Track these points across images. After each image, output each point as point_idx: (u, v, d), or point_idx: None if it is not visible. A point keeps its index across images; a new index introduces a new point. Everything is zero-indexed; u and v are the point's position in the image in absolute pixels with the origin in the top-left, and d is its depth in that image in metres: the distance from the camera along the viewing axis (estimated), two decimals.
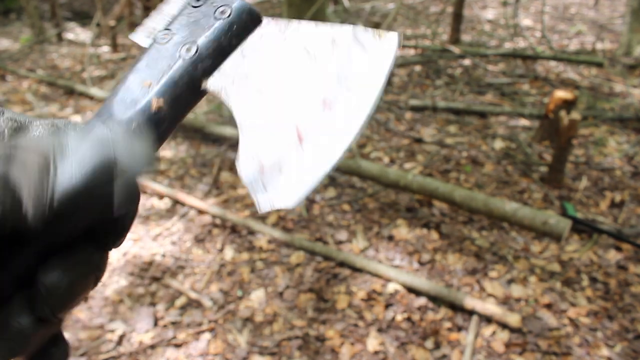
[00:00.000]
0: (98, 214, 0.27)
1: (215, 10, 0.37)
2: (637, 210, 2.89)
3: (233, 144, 3.67)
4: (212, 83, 0.36)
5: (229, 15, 0.37)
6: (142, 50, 0.37)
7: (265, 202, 0.33)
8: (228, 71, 0.36)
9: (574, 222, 2.64)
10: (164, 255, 2.63)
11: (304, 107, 0.35)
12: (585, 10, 8.76)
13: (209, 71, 0.36)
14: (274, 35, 0.37)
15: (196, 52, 0.35)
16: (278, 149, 0.34)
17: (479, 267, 2.46)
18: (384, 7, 8.44)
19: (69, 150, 0.25)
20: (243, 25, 0.37)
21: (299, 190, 0.33)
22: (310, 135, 0.34)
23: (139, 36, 0.38)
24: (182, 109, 0.35)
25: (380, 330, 2.13)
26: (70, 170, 0.24)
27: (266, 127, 0.35)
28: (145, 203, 3.09)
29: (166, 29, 0.37)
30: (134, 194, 0.27)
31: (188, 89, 0.35)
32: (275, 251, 2.63)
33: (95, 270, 0.28)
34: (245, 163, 0.34)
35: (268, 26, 0.38)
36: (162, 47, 0.36)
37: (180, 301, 2.33)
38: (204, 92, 0.36)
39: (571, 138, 2.96)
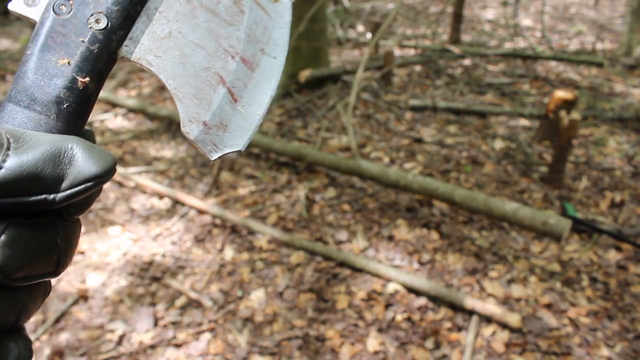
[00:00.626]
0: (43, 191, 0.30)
1: None
2: (637, 210, 2.89)
3: None
4: (128, 51, 0.37)
5: None
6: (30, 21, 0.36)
7: (217, 152, 0.38)
8: (141, 38, 0.37)
9: (574, 222, 2.64)
10: (164, 255, 2.63)
11: (228, 66, 0.38)
12: (585, 10, 8.76)
13: (122, 40, 0.37)
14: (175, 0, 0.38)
15: (108, 24, 0.35)
16: (217, 111, 0.38)
17: (479, 267, 2.46)
18: (384, 7, 8.44)
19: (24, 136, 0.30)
20: None
21: (244, 136, 0.39)
22: (242, 94, 0.38)
23: (17, 4, 0.36)
24: (104, 80, 0.37)
25: (380, 330, 2.13)
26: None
27: (198, 91, 0.38)
28: (146, 203, 3.09)
29: None
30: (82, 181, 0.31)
31: (107, 61, 0.36)
32: (275, 251, 2.63)
33: (50, 235, 0.31)
34: (189, 126, 0.38)
35: None
36: (66, 19, 0.35)
37: (180, 301, 2.33)
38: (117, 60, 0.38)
39: (571, 138, 2.96)
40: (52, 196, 0.30)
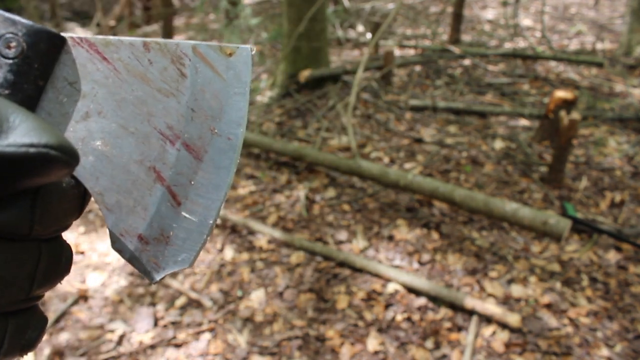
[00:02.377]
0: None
1: None
2: (637, 210, 2.89)
3: None
4: None
5: (22, 51, 0.27)
6: None
7: (158, 272, 0.30)
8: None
9: (574, 222, 2.64)
10: None
11: (166, 157, 0.29)
12: (585, 10, 8.76)
13: None
14: (91, 64, 0.29)
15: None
16: (155, 219, 0.30)
17: (479, 267, 2.46)
18: (384, 7, 8.44)
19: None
20: (44, 59, 0.28)
21: (191, 250, 0.30)
22: (186, 194, 0.29)
23: None
24: None
25: (380, 330, 2.13)
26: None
27: (129, 194, 0.30)
28: None
29: None
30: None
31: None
32: (275, 251, 2.63)
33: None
34: (121, 242, 0.30)
35: (77, 51, 0.29)
36: None
37: (180, 301, 2.33)
38: None
39: (571, 138, 2.96)
40: None
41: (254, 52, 0.30)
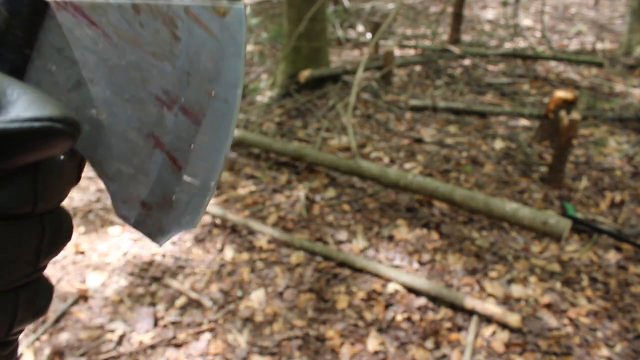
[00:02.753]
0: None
1: None
2: (637, 210, 2.89)
3: (233, 143, 3.67)
4: None
5: (4, 19, 0.26)
6: None
7: (164, 235, 0.30)
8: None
9: (574, 222, 2.64)
10: (164, 256, 2.63)
11: (164, 122, 0.29)
12: (585, 10, 8.76)
13: None
14: (79, 29, 0.28)
15: None
16: (157, 184, 0.29)
17: (479, 267, 2.46)
18: (384, 7, 8.44)
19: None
20: (28, 26, 0.26)
21: (194, 212, 0.30)
22: (186, 158, 0.29)
23: None
24: None
25: (380, 330, 2.13)
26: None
27: (128, 161, 0.29)
28: None
29: None
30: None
31: None
32: (275, 251, 2.63)
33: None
34: (125, 209, 0.30)
35: (62, 15, 0.27)
36: None
37: (180, 301, 2.33)
38: None
39: (571, 138, 2.96)
40: None
41: (248, 11, 0.29)
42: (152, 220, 0.30)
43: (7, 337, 0.27)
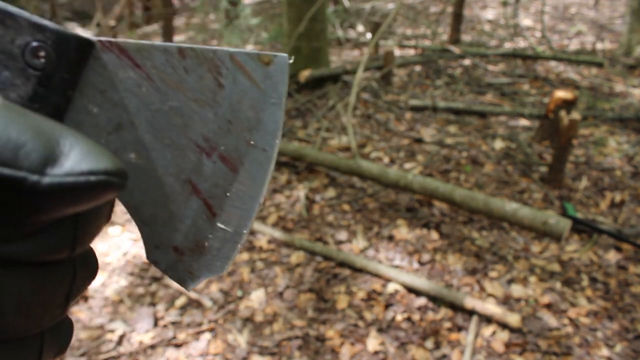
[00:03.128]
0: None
1: (24, 51, 0.24)
2: (637, 210, 2.89)
3: None
4: None
5: (52, 60, 0.24)
6: None
7: (193, 281, 0.30)
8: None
9: (574, 222, 2.64)
10: None
11: (203, 169, 0.28)
12: (585, 10, 8.76)
13: None
14: (123, 71, 0.27)
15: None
16: (191, 231, 0.29)
17: (479, 267, 2.46)
18: (384, 7, 8.44)
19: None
20: (73, 68, 0.25)
21: (226, 259, 0.30)
22: (221, 206, 0.29)
23: None
24: None
25: (380, 330, 2.13)
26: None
27: (164, 207, 0.29)
28: None
29: None
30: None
31: None
32: (275, 251, 2.63)
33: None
34: (157, 254, 0.30)
35: (107, 56, 0.27)
36: None
37: (180, 301, 2.33)
38: None
39: (571, 138, 2.96)
40: (35, 177, 0.20)
41: (291, 61, 0.30)
42: (184, 265, 0.30)
43: None
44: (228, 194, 0.29)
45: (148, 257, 0.30)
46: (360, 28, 7.36)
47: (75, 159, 0.21)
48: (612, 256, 2.52)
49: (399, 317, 2.18)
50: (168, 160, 0.28)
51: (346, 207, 2.98)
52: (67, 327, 0.28)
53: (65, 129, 0.22)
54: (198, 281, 0.30)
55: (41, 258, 0.23)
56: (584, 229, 2.68)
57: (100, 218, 0.27)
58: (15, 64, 0.24)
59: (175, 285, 2.41)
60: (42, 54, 0.24)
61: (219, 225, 0.29)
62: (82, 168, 0.21)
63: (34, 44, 0.24)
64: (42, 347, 0.26)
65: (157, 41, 0.28)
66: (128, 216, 2.95)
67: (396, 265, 2.49)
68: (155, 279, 2.47)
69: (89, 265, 0.28)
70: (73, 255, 0.25)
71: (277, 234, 2.68)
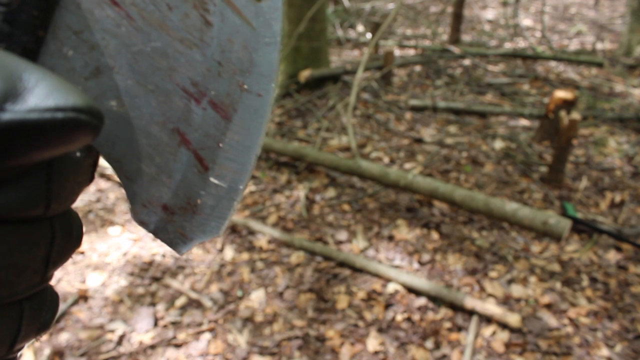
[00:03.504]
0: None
1: None
2: (637, 210, 2.89)
3: None
4: None
5: None
6: None
7: (186, 243, 0.28)
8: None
9: (574, 222, 2.64)
10: (164, 255, 2.63)
11: (192, 117, 0.26)
12: (585, 11, 8.76)
13: None
14: (99, 9, 0.24)
15: None
16: (181, 187, 0.27)
17: (479, 267, 2.46)
18: (384, 7, 8.44)
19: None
20: (43, 4, 0.23)
21: (221, 218, 0.27)
22: (214, 159, 0.27)
23: None
24: None
25: (380, 330, 2.13)
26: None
27: (150, 160, 0.26)
28: None
29: None
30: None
31: None
32: (275, 251, 2.63)
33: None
34: (144, 213, 0.27)
35: None
36: None
37: (180, 301, 2.33)
38: None
39: (571, 138, 2.96)
40: None
41: None
42: (174, 226, 0.27)
43: (9, 354, 0.24)
44: (221, 145, 0.26)
45: (135, 217, 0.27)
46: (360, 28, 7.36)
47: (41, 94, 0.19)
48: (612, 256, 2.52)
49: (399, 317, 2.18)
50: (153, 107, 0.25)
51: (346, 207, 2.98)
52: (51, 301, 0.26)
53: (30, 65, 0.19)
54: (191, 244, 0.27)
55: (10, 214, 0.21)
56: (584, 229, 2.68)
57: (78, 172, 0.24)
58: None
59: (174, 284, 2.41)
60: None
61: (212, 180, 0.26)
62: (47, 104, 0.18)
63: None
64: (21, 320, 0.24)
65: None
66: (128, 216, 2.95)
67: (396, 265, 2.49)
68: (155, 279, 2.47)
69: (71, 229, 0.25)
70: (49, 214, 0.23)
71: (277, 234, 2.68)
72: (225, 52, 0.25)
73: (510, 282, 2.36)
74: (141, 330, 2.17)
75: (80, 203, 3.09)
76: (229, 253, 2.63)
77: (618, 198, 3.00)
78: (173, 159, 0.26)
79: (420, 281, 2.29)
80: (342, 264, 2.49)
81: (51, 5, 0.23)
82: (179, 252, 0.28)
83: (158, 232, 0.27)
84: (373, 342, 2.07)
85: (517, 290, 2.31)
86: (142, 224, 0.27)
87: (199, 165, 0.26)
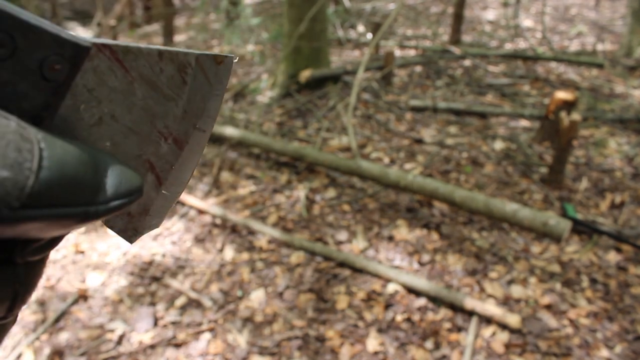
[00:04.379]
0: None
1: (42, 65, 0.24)
2: (637, 211, 2.89)
3: (233, 144, 3.67)
4: None
5: (66, 72, 0.26)
6: None
7: (137, 236, 0.34)
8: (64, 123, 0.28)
9: (574, 223, 2.64)
10: (164, 255, 2.63)
11: (160, 151, 0.33)
12: (585, 11, 8.76)
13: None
14: (110, 71, 0.29)
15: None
16: (143, 200, 0.34)
17: (479, 268, 2.46)
18: (385, 7, 8.44)
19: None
20: (74, 73, 0.27)
21: (162, 216, 0.35)
22: (166, 176, 0.34)
23: None
24: None
25: (380, 330, 2.13)
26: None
27: None
28: None
29: None
30: None
31: None
32: (275, 251, 2.63)
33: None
34: (112, 220, 0.33)
35: (100, 58, 0.28)
36: None
37: (180, 301, 2.33)
38: None
39: (571, 139, 2.96)
40: (93, 208, 0.23)
41: (236, 60, 0.34)
42: (132, 225, 0.34)
43: None
44: (173, 167, 0.34)
45: (105, 222, 0.33)
46: (360, 28, 7.36)
47: (115, 185, 0.25)
48: (612, 257, 2.52)
49: (398, 318, 2.18)
50: (134, 145, 0.32)
51: (346, 207, 2.98)
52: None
53: (100, 153, 0.25)
54: (140, 236, 0.35)
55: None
56: (584, 230, 2.68)
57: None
58: (31, 76, 0.24)
59: (174, 284, 2.41)
60: (58, 67, 0.25)
61: (163, 191, 0.34)
62: (121, 191, 0.25)
63: (53, 57, 0.25)
64: None
65: (158, 40, 0.30)
66: None
67: (396, 266, 2.49)
68: (155, 279, 2.47)
69: (36, 278, 0.27)
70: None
71: (277, 234, 2.68)
72: (190, 103, 0.33)
73: (510, 282, 2.36)
74: (141, 330, 2.17)
75: None
76: (229, 253, 2.63)
77: (618, 199, 3.00)
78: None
79: (420, 281, 2.29)
80: (342, 264, 2.49)
81: (77, 71, 0.27)
82: (131, 242, 0.34)
83: (120, 232, 0.34)
84: (373, 343, 2.07)
85: (517, 291, 2.31)
86: (111, 227, 0.34)
87: (156, 182, 0.34)
